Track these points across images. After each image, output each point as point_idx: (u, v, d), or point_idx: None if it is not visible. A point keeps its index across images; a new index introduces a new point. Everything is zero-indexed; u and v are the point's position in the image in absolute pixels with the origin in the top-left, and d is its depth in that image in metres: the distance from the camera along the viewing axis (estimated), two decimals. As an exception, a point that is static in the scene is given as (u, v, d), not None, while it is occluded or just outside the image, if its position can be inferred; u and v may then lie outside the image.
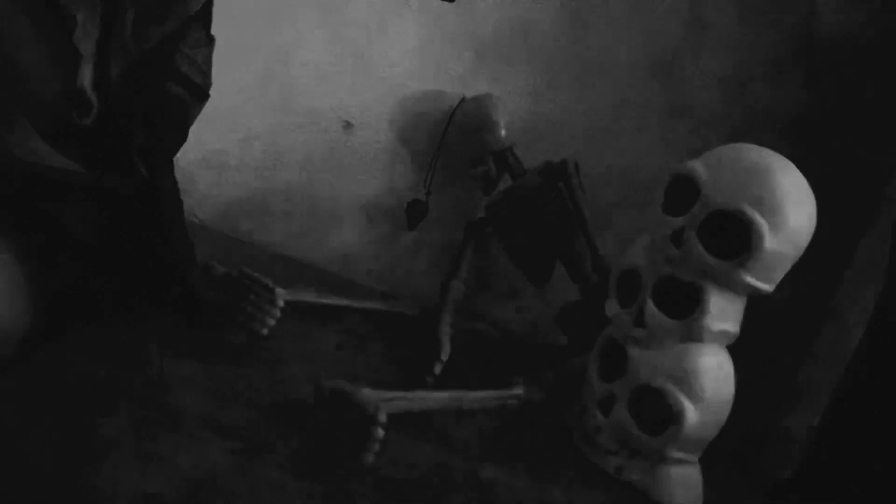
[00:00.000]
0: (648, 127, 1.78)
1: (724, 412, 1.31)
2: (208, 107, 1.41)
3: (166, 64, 1.30)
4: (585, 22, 1.75)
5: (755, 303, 1.32)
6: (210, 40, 1.39)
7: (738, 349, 1.34)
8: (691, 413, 1.26)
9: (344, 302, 1.64)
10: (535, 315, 1.85)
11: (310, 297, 1.57)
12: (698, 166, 1.29)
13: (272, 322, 1.43)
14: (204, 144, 1.78)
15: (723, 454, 1.37)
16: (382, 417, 1.14)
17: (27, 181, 1.28)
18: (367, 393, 1.17)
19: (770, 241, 1.22)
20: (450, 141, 1.79)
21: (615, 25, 1.75)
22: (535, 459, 1.33)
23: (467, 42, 1.79)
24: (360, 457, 1.13)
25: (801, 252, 1.27)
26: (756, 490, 1.50)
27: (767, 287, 1.29)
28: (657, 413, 1.28)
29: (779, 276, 1.29)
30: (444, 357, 1.51)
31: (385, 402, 1.16)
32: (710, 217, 1.26)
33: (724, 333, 1.31)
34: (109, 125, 1.25)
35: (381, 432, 1.13)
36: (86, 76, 1.22)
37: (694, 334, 1.29)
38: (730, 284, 1.27)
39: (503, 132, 1.72)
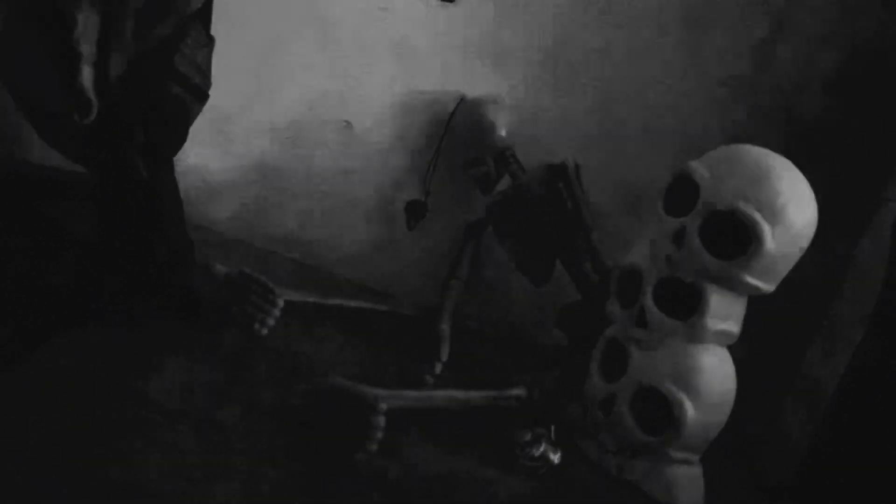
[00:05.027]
0: (649, 127, 1.77)
1: (725, 412, 1.31)
2: (208, 107, 1.41)
3: (166, 64, 1.30)
4: (586, 24, 1.75)
5: (755, 303, 1.33)
6: (210, 40, 1.39)
7: (738, 349, 1.35)
8: (692, 413, 1.26)
9: (344, 302, 1.64)
10: (535, 315, 1.85)
11: (310, 297, 1.57)
12: (699, 167, 1.29)
13: (272, 322, 1.43)
14: (204, 145, 1.78)
15: (723, 454, 1.37)
16: (383, 406, 1.14)
17: (27, 181, 1.28)
18: (365, 387, 1.17)
19: (771, 242, 1.22)
20: (450, 141, 1.79)
21: (616, 28, 1.75)
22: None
23: (467, 43, 1.79)
24: (364, 446, 1.13)
25: (801, 252, 1.28)
26: (756, 490, 1.50)
27: (768, 287, 1.29)
28: (658, 413, 1.29)
29: (780, 276, 1.29)
30: (444, 357, 1.51)
31: (384, 398, 1.16)
32: (711, 217, 1.26)
33: (724, 333, 1.31)
34: (109, 125, 1.25)
35: (381, 420, 1.13)
36: (86, 76, 1.21)
37: (695, 334, 1.29)
38: (730, 285, 1.27)
39: (503, 132, 1.72)
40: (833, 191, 1.34)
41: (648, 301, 1.32)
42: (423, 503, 1.15)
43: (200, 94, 1.38)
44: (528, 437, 1.30)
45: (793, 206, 1.23)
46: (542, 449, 1.28)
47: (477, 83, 1.80)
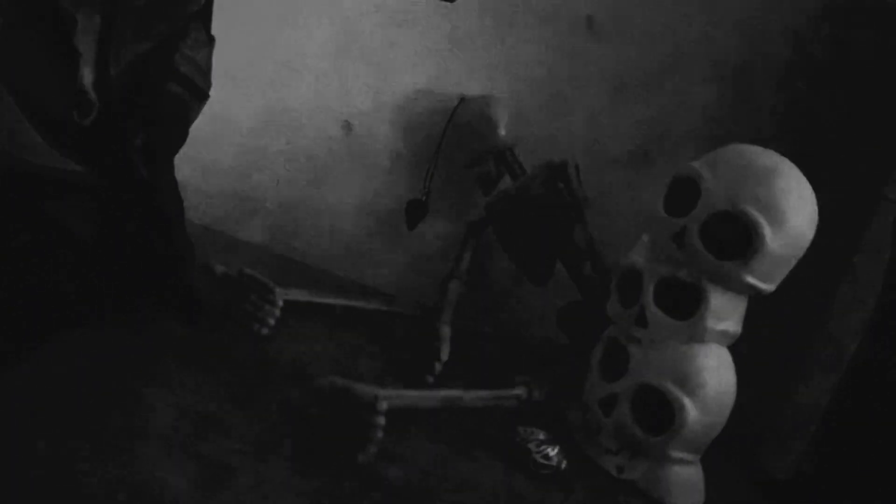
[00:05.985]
0: (648, 127, 1.77)
1: (725, 412, 1.32)
2: (208, 107, 1.41)
3: (166, 64, 1.30)
4: (585, 23, 1.76)
5: (756, 303, 1.33)
6: (210, 40, 1.39)
7: (738, 349, 1.35)
8: (692, 413, 1.27)
9: (344, 302, 1.64)
10: (535, 315, 1.85)
11: (310, 297, 1.57)
12: (700, 167, 1.29)
13: (272, 322, 1.43)
14: (204, 144, 1.78)
15: (723, 454, 1.37)
16: (383, 406, 1.14)
17: (27, 181, 1.28)
18: (365, 386, 1.17)
19: (771, 242, 1.22)
20: (450, 141, 1.79)
21: (617, 28, 1.75)
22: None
23: (468, 42, 1.79)
24: (364, 446, 1.13)
25: (802, 252, 1.28)
26: (756, 490, 1.50)
27: (769, 287, 1.29)
28: (658, 413, 1.29)
29: (780, 276, 1.29)
30: (444, 357, 1.51)
31: (385, 397, 1.16)
32: (712, 217, 1.26)
33: (725, 333, 1.31)
34: (109, 125, 1.25)
35: (382, 420, 1.13)
36: (86, 76, 1.21)
37: (695, 334, 1.29)
38: (731, 285, 1.27)
39: (503, 132, 1.72)
40: (833, 191, 1.34)
41: (649, 301, 1.32)
42: (423, 503, 1.15)
43: (200, 94, 1.38)
44: (541, 435, 1.30)
45: (793, 207, 1.23)
46: (556, 449, 1.28)
47: (477, 83, 1.79)
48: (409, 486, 1.16)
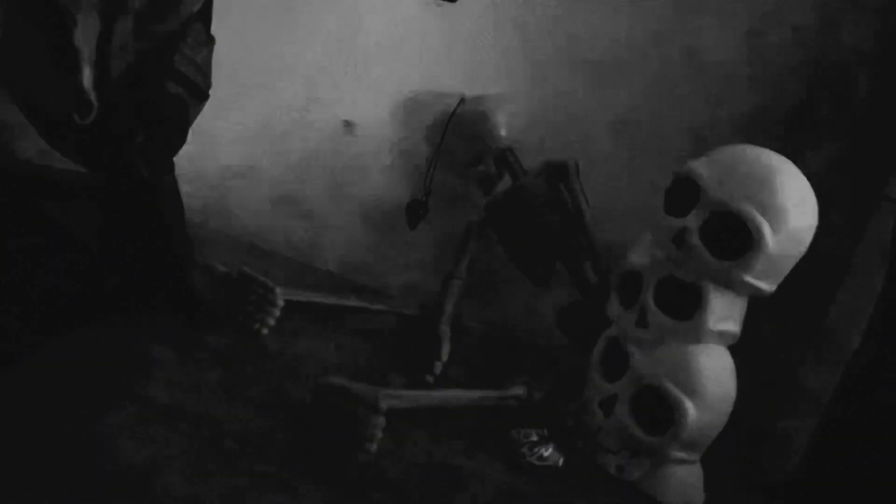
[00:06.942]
0: (647, 128, 1.77)
1: (725, 412, 1.32)
2: (208, 107, 1.41)
3: (166, 64, 1.30)
4: (584, 21, 1.75)
5: (756, 303, 1.33)
6: (210, 40, 1.39)
7: (738, 349, 1.35)
8: (692, 413, 1.27)
9: (344, 302, 1.64)
10: (534, 315, 1.85)
11: (310, 297, 1.57)
12: (700, 167, 1.29)
13: (272, 322, 1.43)
14: (204, 145, 1.78)
15: (723, 454, 1.37)
16: (383, 406, 1.14)
17: (27, 181, 1.28)
18: (365, 386, 1.18)
19: (771, 242, 1.22)
20: (450, 141, 1.79)
21: (615, 28, 1.74)
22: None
23: (468, 42, 1.79)
24: (364, 447, 1.13)
25: (802, 252, 1.28)
26: (756, 490, 1.50)
27: (769, 287, 1.29)
28: (658, 413, 1.29)
29: (780, 276, 1.29)
30: (445, 357, 1.51)
31: (385, 397, 1.17)
32: (712, 218, 1.26)
33: (725, 333, 1.31)
34: (109, 125, 1.25)
35: (382, 420, 1.14)
36: (86, 76, 1.21)
37: (695, 334, 1.29)
38: (731, 285, 1.27)
39: (503, 132, 1.72)
40: (833, 191, 1.34)
41: (649, 301, 1.32)
42: (423, 503, 1.15)
43: (200, 94, 1.38)
44: (534, 436, 1.30)
45: (794, 207, 1.23)
46: (550, 449, 1.29)
47: (478, 83, 1.79)
48: (410, 486, 1.16)
